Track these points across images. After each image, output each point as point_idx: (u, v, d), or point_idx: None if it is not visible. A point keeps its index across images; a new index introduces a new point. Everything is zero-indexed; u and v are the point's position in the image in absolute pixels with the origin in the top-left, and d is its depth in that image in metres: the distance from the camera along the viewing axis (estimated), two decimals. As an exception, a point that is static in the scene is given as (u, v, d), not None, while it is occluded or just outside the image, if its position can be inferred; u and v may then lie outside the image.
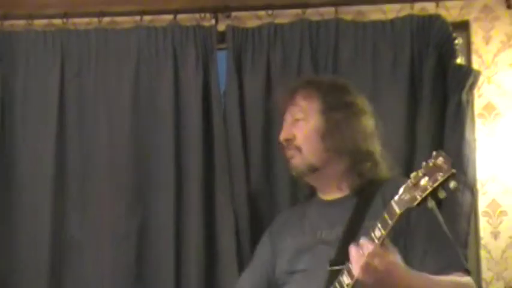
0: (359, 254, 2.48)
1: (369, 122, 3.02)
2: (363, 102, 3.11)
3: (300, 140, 2.97)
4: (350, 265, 2.54)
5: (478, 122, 3.66)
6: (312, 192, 3.08)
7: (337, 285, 2.65)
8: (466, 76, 3.51)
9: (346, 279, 2.59)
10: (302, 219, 3.04)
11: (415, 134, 3.63)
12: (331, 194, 3.00)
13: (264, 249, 3.13)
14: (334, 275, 2.69)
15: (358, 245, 2.50)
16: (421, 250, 2.75)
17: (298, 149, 2.96)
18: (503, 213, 3.61)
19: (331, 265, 2.74)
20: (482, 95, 3.72)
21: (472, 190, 3.45)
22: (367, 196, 2.91)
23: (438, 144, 3.49)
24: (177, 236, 3.71)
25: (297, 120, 3.00)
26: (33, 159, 3.87)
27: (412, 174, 2.47)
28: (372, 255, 2.46)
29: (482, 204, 3.59)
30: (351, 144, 2.94)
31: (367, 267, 2.46)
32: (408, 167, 3.46)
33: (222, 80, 3.84)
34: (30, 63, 3.91)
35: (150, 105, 3.87)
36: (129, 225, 3.85)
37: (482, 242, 3.59)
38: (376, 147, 2.96)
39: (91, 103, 3.90)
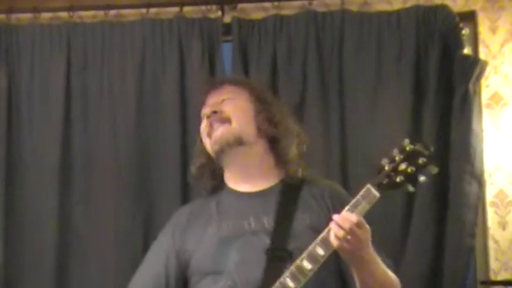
0: (344, 221, 2.50)
1: (291, 117, 3.03)
2: (277, 100, 3.14)
3: (229, 112, 2.89)
4: (324, 238, 2.56)
5: (485, 113, 3.68)
6: (216, 186, 2.99)
7: (306, 256, 2.61)
8: (472, 66, 3.53)
9: (321, 251, 2.58)
10: (217, 212, 2.94)
11: (421, 125, 3.64)
12: (253, 184, 2.92)
13: (165, 248, 2.99)
14: (273, 265, 2.70)
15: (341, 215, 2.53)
16: None
17: (228, 119, 2.88)
18: (510, 203, 3.62)
19: (268, 254, 2.73)
20: (489, 85, 3.72)
21: (479, 181, 3.46)
22: (293, 188, 2.90)
23: (444, 135, 3.51)
24: None
25: (225, 99, 2.92)
26: (38, 154, 3.90)
27: (385, 161, 2.56)
28: (358, 224, 2.49)
29: (489, 195, 3.61)
30: (280, 130, 2.91)
31: (351, 235, 2.50)
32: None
33: (228, 72, 3.83)
34: (36, 56, 3.94)
35: (155, 98, 3.90)
36: (134, 221, 3.88)
37: (490, 232, 3.61)
38: (298, 138, 2.96)
39: (96, 96, 3.91)
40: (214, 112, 2.88)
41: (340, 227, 2.50)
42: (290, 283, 2.59)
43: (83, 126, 3.93)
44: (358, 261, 2.60)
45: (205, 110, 2.92)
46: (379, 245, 2.73)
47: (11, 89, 3.95)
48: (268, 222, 2.82)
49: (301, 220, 2.81)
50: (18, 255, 3.88)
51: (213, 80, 3.14)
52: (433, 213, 3.48)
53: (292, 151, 2.90)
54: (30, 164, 3.91)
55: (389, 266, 2.77)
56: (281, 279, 2.61)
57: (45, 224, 3.86)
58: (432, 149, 2.60)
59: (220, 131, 2.86)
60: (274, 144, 2.89)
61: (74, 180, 3.92)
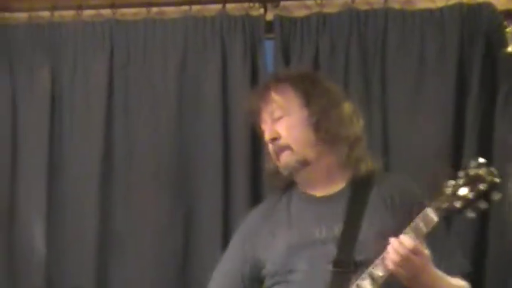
0: (399, 248, 2.52)
1: (351, 106, 2.98)
2: (338, 88, 3.09)
3: (286, 138, 2.89)
4: (384, 258, 2.58)
5: (529, 110, 3.69)
6: (287, 187, 3.02)
7: (367, 276, 2.64)
8: (516, 65, 3.53)
9: (380, 272, 2.61)
10: (288, 216, 2.99)
11: (464, 124, 3.65)
12: (323, 189, 2.95)
13: (238, 251, 3.07)
14: (338, 276, 2.73)
15: (397, 238, 2.55)
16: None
17: (288, 147, 2.89)
18: (554, 202, 3.59)
19: (334, 266, 2.75)
20: (534, 83, 3.74)
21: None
22: (362, 191, 2.89)
23: (487, 133, 3.53)
24: (225, 225, 3.75)
25: (277, 118, 2.92)
26: (80, 152, 3.99)
27: (449, 183, 2.53)
28: (414, 250, 2.51)
29: (532, 195, 3.60)
30: (343, 131, 2.90)
31: (407, 261, 2.52)
32: (456, 158, 3.51)
33: (270, 70, 3.87)
34: (79, 54, 4.01)
35: (197, 95, 3.94)
36: (175, 216, 3.92)
37: (533, 231, 3.61)
38: (362, 132, 2.94)
39: (138, 94, 3.98)
40: (273, 139, 2.89)
41: (396, 251, 2.53)
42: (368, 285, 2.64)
43: (125, 124, 4.01)
44: (416, 285, 2.62)
45: (266, 137, 2.93)
46: (454, 244, 2.83)
47: (54, 86, 4.03)
48: (337, 230, 2.84)
49: (369, 227, 2.82)
50: (60, 253, 3.97)
51: (261, 92, 3.01)
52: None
53: (355, 150, 2.89)
54: (72, 162, 4.00)
55: (462, 269, 2.78)
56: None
57: (86, 221, 3.96)
58: (498, 178, 2.55)
59: (284, 160, 2.88)
60: (337, 146, 2.87)
61: (114, 178, 4.00)
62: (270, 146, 2.91)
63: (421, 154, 3.77)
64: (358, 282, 2.64)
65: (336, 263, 2.74)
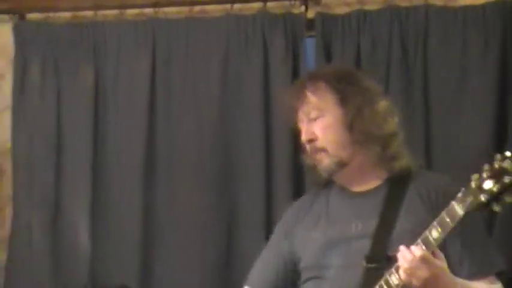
0: (407, 257, 2.56)
1: (386, 104, 2.97)
2: (374, 85, 3.07)
3: (322, 140, 2.91)
4: (397, 266, 2.61)
5: None
6: (328, 182, 3.02)
7: (383, 284, 2.69)
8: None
9: (395, 280, 2.65)
10: (326, 211, 3.02)
11: (506, 124, 3.66)
12: (359, 186, 2.98)
13: (278, 244, 3.12)
14: (371, 272, 2.75)
15: (407, 248, 2.56)
16: (458, 254, 2.78)
17: (323, 149, 2.91)
18: None
19: (367, 262, 2.77)
20: None
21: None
22: (399, 187, 2.91)
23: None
24: (267, 222, 3.79)
25: (313, 119, 2.93)
26: (123, 149, 4.07)
27: (474, 177, 2.49)
28: (421, 260, 2.53)
29: None
30: (377, 130, 2.90)
31: (414, 272, 2.55)
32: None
33: (311, 67, 3.90)
34: (122, 53, 4.08)
35: (238, 93, 4.00)
36: (218, 213, 3.98)
37: None
38: (397, 129, 2.95)
39: (180, 92, 4.04)
40: (309, 140, 2.92)
41: (406, 261, 2.57)
42: None
43: (167, 122, 4.07)
44: None
45: (302, 138, 2.96)
46: (486, 241, 2.82)
47: (97, 85, 4.11)
48: (372, 225, 2.87)
49: (403, 224, 2.83)
50: (104, 250, 4.05)
51: (298, 91, 3.01)
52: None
53: (390, 148, 2.91)
54: (116, 160, 4.09)
55: (495, 266, 2.78)
56: None
57: (130, 219, 4.03)
58: None
59: (322, 163, 2.91)
60: (370, 145, 2.90)
61: (157, 175, 4.06)
62: (307, 147, 2.95)
63: (463, 153, 3.77)
64: (386, 277, 2.66)
65: (369, 259, 2.77)
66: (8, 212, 4.24)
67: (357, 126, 2.88)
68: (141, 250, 4.05)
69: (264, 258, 3.13)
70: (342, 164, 2.89)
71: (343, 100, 2.89)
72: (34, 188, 4.19)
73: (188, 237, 4.04)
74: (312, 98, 2.92)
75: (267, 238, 3.54)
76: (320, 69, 3.51)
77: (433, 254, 2.57)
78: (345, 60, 3.95)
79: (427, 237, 2.56)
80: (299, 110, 2.96)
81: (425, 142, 3.88)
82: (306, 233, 2.96)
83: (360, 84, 2.96)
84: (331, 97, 2.90)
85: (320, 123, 2.89)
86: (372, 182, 2.92)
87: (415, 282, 2.56)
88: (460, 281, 2.67)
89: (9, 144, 4.26)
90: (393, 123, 2.92)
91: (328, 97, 2.90)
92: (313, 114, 2.90)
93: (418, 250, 2.54)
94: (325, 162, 2.91)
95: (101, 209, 4.13)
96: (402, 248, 2.57)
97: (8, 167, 4.28)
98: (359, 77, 3.04)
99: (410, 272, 2.55)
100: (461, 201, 2.50)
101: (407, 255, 2.55)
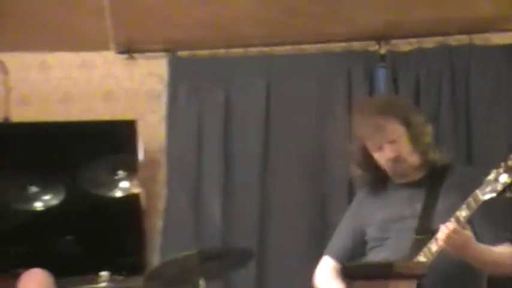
0: (444, 230, 2.94)
1: (423, 118, 3.37)
2: (413, 106, 3.58)
3: (404, 155, 3.26)
4: (437, 237, 2.98)
5: None
6: (380, 179, 3.40)
7: (426, 250, 3.05)
8: None
9: (434, 247, 3.02)
10: (384, 198, 3.37)
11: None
12: (408, 178, 3.33)
13: (351, 221, 3.47)
14: (418, 241, 3.13)
15: (445, 224, 2.96)
16: (481, 226, 3.13)
17: (404, 160, 3.27)
18: None
19: (416, 234, 3.15)
20: None
21: None
22: (437, 178, 3.28)
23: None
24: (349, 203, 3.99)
25: (393, 141, 3.25)
26: (246, 146, 4.68)
27: (493, 171, 2.90)
28: (454, 232, 2.94)
29: None
30: (425, 139, 3.31)
31: (449, 239, 2.95)
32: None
33: (382, 90, 4.57)
34: (245, 79, 4.75)
35: (328, 109, 4.64)
36: (315, 196, 4.57)
37: None
38: (432, 140, 3.34)
39: (287, 107, 4.69)
40: (395, 157, 3.25)
41: (443, 232, 2.95)
42: (422, 258, 3.04)
43: (278, 129, 4.70)
44: (464, 257, 3.01)
45: (390, 155, 3.24)
46: (502, 219, 3.16)
47: (227, 102, 4.76)
48: (419, 207, 3.23)
49: (442, 205, 3.19)
50: (232, 223, 4.67)
51: (370, 122, 3.30)
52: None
53: (430, 152, 3.32)
54: (241, 156, 4.70)
55: (507, 234, 3.14)
56: (419, 255, 3.06)
57: (251, 201, 4.66)
58: None
59: (400, 169, 3.30)
60: (423, 149, 3.32)
61: (270, 166, 4.68)
62: (390, 162, 3.27)
63: (493, 156, 3.95)
64: (428, 245, 3.04)
65: (417, 232, 3.17)
66: (163, 193, 4.83)
67: (418, 141, 3.30)
68: (258, 222, 4.67)
69: (340, 232, 3.53)
70: (413, 167, 3.31)
71: (407, 125, 3.30)
72: (182, 176, 4.77)
73: (292, 213, 4.60)
74: (386, 127, 3.28)
75: None
76: (383, 103, 3.52)
77: (463, 229, 2.96)
78: (407, 86, 4.55)
79: (458, 216, 2.97)
80: (374, 137, 3.29)
81: (466, 150, 4.45)
82: (371, 214, 3.38)
83: (410, 110, 3.42)
84: (399, 125, 3.29)
85: (397, 144, 3.27)
86: (417, 175, 3.33)
87: (449, 248, 2.97)
88: (484, 246, 3.07)
89: (164, 144, 4.86)
90: (430, 131, 3.36)
91: (397, 125, 3.29)
92: (391, 138, 3.27)
93: (451, 225, 2.94)
94: (403, 168, 3.31)
95: (230, 192, 4.73)
96: (442, 225, 2.96)
97: (163, 161, 4.86)
98: (407, 104, 3.57)
99: (446, 241, 2.95)
100: (483, 189, 2.91)
101: (444, 229, 2.94)
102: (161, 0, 4.61)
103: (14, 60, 5.04)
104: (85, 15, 4.68)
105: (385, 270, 1.80)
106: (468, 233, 2.98)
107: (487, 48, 4.63)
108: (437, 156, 3.33)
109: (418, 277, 2.95)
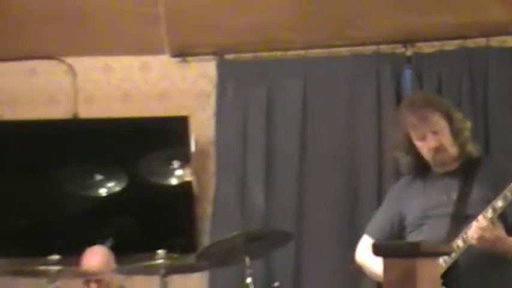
0: (480, 220, 2.98)
1: (460, 114, 3.37)
2: (448, 102, 3.48)
3: (445, 145, 3.23)
4: (471, 225, 3.01)
5: None
6: (420, 167, 3.34)
7: (463, 234, 3.04)
8: None
9: (470, 233, 3.03)
10: (422, 186, 3.33)
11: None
12: (445, 168, 3.29)
13: (391, 206, 3.44)
14: (454, 226, 3.14)
15: (476, 219, 2.99)
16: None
17: (445, 150, 3.24)
18: None
19: (451, 220, 3.16)
20: None
21: None
22: (471, 169, 3.26)
23: None
24: (379, 196, 4.29)
25: (436, 132, 3.22)
26: (285, 142, 4.70)
27: None
28: (485, 229, 2.96)
29: None
30: (464, 132, 3.29)
31: (481, 238, 2.98)
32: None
33: (408, 89, 4.61)
34: (284, 79, 4.76)
35: (359, 107, 4.66)
36: (347, 190, 4.59)
37: None
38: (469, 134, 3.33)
39: (322, 107, 4.72)
40: (437, 147, 3.21)
41: (475, 230, 2.97)
42: (460, 244, 3.05)
43: (315, 128, 4.73)
44: (495, 250, 3.02)
45: (433, 145, 3.21)
46: None
47: (268, 100, 4.79)
48: (454, 195, 3.21)
49: (476, 194, 3.18)
50: (273, 206, 4.69)
51: (417, 114, 3.28)
52: None
53: (468, 145, 3.30)
54: (280, 152, 4.72)
55: None
56: (455, 240, 3.05)
57: (289, 187, 4.68)
58: None
59: (441, 159, 3.26)
60: (462, 141, 3.29)
61: (308, 155, 4.72)
62: (432, 151, 3.23)
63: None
64: (465, 230, 3.05)
65: (453, 217, 3.17)
66: (213, 181, 4.90)
67: (459, 133, 3.29)
68: (296, 207, 4.69)
69: (380, 214, 3.50)
70: (451, 158, 3.27)
71: (449, 119, 3.28)
72: (229, 165, 4.83)
73: (327, 200, 4.64)
74: (431, 119, 3.26)
75: (378, 206, 3.83)
76: (427, 100, 3.47)
77: (494, 224, 2.97)
78: (431, 85, 4.55)
79: (494, 206, 2.98)
80: (419, 127, 3.26)
81: (484, 147, 4.32)
82: (410, 201, 3.34)
83: (451, 107, 3.41)
84: (442, 118, 3.27)
85: (440, 135, 3.24)
86: (453, 165, 3.30)
87: (481, 244, 2.99)
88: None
89: (213, 138, 4.92)
90: (468, 126, 3.35)
91: (440, 118, 3.27)
92: (434, 129, 3.25)
93: (483, 221, 2.98)
94: (444, 158, 3.27)
95: (271, 179, 4.77)
96: (474, 222, 2.99)
97: (212, 152, 4.93)
98: (448, 102, 3.55)
99: (478, 240, 2.99)
100: None
101: (477, 225, 2.99)
102: (210, 9, 4.66)
103: (81, 64, 5.15)
104: (143, 23, 4.76)
105: (413, 250, 1.83)
106: (500, 231, 3.02)
107: (504, 50, 4.64)
108: (473, 149, 3.33)
109: (443, 255, 2.95)
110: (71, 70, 5.11)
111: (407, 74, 4.69)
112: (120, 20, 4.77)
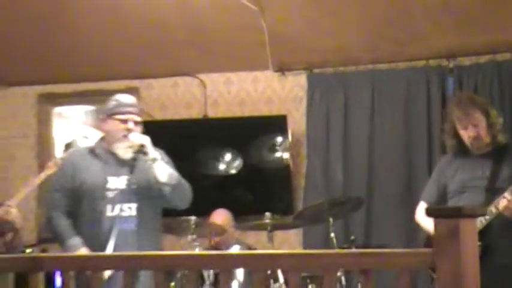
0: (504, 199, 2.95)
1: (495, 111, 3.29)
2: (488, 102, 3.38)
3: (482, 135, 3.19)
4: (504, 195, 2.96)
5: None
6: (461, 149, 3.29)
7: (496, 203, 2.97)
8: None
9: (502, 203, 2.98)
10: (462, 163, 3.26)
11: None
12: (480, 151, 3.25)
13: (438, 177, 3.35)
14: (488, 196, 3.08)
15: (505, 193, 2.95)
16: None
17: (481, 139, 3.20)
18: None
19: (486, 191, 3.10)
20: None
21: None
22: (501, 153, 3.21)
23: None
24: (429, 172, 4.06)
25: (475, 125, 3.19)
26: (358, 137, 4.67)
27: None
28: (510, 201, 2.95)
29: None
30: (497, 129, 3.24)
31: (507, 207, 2.96)
32: None
33: (451, 94, 4.45)
34: (357, 88, 4.68)
35: (413, 112, 4.57)
36: (403, 171, 4.54)
37: None
38: (500, 125, 3.26)
39: (385, 111, 4.65)
40: (475, 136, 3.17)
41: (503, 204, 2.94)
42: (493, 209, 2.99)
43: (380, 118, 4.68)
44: None
45: (473, 134, 3.17)
46: None
47: (345, 105, 4.72)
48: (487, 172, 3.16)
49: (504, 171, 3.14)
50: (349, 178, 4.61)
51: (463, 110, 3.22)
52: None
53: (499, 135, 3.24)
54: (355, 137, 4.70)
55: None
56: (489, 206, 3.00)
57: (362, 165, 4.63)
58: None
59: (478, 145, 3.20)
60: (495, 132, 3.24)
61: (375, 143, 4.63)
62: (471, 139, 3.19)
63: None
64: (495, 201, 2.99)
65: (487, 189, 3.12)
66: (304, 162, 4.85)
67: (492, 127, 3.23)
68: (367, 180, 4.64)
69: (431, 184, 3.42)
70: (485, 144, 3.22)
71: (486, 115, 3.24)
72: (316, 151, 4.78)
73: (390, 174, 4.59)
74: (474, 114, 3.22)
75: (428, 177, 3.72)
76: (469, 97, 3.46)
77: None
78: (468, 91, 4.41)
79: None
80: (464, 120, 3.21)
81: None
82: (453, 174, 3.29)
83: (489, 106, 3.34)
84: (481, 115, 3.23)
85: (479, 127, 3.21)
86: (487, 149, 3.25)
87: (508, 214, 2.96)
88: None
89: (304, 131, 4.88)
90: (499, 121, 3.28)
91: (480, 114, 3.23)
92: (475, 122, 3.20)
93: (510, 196, 2.95)
94: (481, 144, 3.22)
95: (347, 160, 4.72)
96: (505, 194, 2.95)
97: (304, 141, 4.89)
98: (486, 101, 3.44)
99: (505, 210, 2.96)
100: None
101: (504, 200, 2.96)
102: (302, 36, 4.64)
103: (209, 78, 5.20)
104: (253, 47, 4.80)
105: (457, 212, 1.83)
106: None
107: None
108: (502, 138, 3.27)
109: (480, 216, 2.87)
110: (202, 83, 5.18)
111: (450, 82, 4.61)
112: (237, 46, 4.82)
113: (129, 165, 3.00)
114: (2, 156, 5.27)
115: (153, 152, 3.02)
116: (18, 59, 4.99)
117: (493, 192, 3.08)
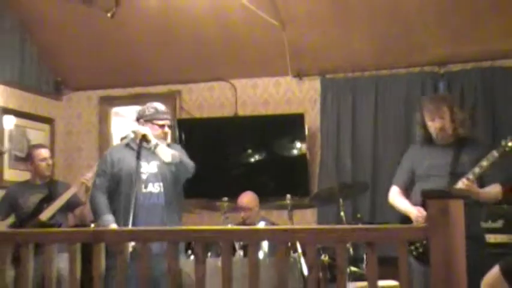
0: (463, 181, 2.91)
1: (460, 109, 3.21)
2: (457, 102, 3.34)
3: (446, 127, 3.12)
4: (463, 180, 2.92)
5: None
6: (428, 139, 3.17)
7: (458, 184, 2.90)
8: None
9: (462, 183, 2.93)
10: (429, 151, 3.17)
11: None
12: (444, 141, 3.15)
13: (408, 163, 3.25)
14: (451, 179, 3.01)
15: (465, 177, 2.90)
16: (490, 176, 3.00)
17: (445, 130, 3.12)
18: None
19: (449, 175, 3.03)
20: None
21: None
22: (462, 143, 3.13)
23: None
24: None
25: (441, 118, 3.11)
26: (364, 132, 4.57)
27: (503, 142, 2.89)
28: (468, 185, 2.91)
29: None
30: (459, 123, 3.12)
31: (467, 187, 2.90)
32: None
33: (442, 92, 4.29)
34: (363, 91, 4.57)
35: (411, 105, 4.39)
36: (396, 155, 4.06)
37: None
38: (465, 121, 3.16)
39: (388, 111, 4.55)
40: (441, 127, 3.09)
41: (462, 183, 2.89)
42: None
43: (383, 116, 4.57)
44: (475, 197, 2.92)
45: (439, 125, 3.09)
46: (504, 169, 3.00)
47: (353, 107, 4.60)
48: (450, 159, 3.07)
49: (464, 159, 3.07)
50: (358, 167, 4.54)
51: (434, 106, 3.16)
52: None
53: (459, 129, 3.13)
54: (360, 132, 4.59)
55: (500, 180, 2.97)
56: (453, 188, 2.89)
57: (367, 153, 4.50)
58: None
59: (443, 135, 3.12)
60: (456, 125, 3.14)
61: (379, 136, 4.54)
62: (437, 129, 3.10)
63: None
64: (458, 183, 2.91)
65: (450, 174, 3.05)
66: (318, 153, 4.78)
67: (455, 121, 3.13)
68: (372, 167, 4.55)
69: (401, 170, 3.29)
70: (448, 135, 3.13)
71: (451, 111, 3.16)
72: (328, 143, 4.71)
73: (392, 161, 4.22)
74: (442, 108, 3.15)
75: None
76: (441, 97, 3.51)
77: (473, 182, 2.88)
78: (456, 92, 4.32)
79: (473, 171, 2.92)
80: (434, 114, 3.13)
81: (492, 134, 4.20)
82: (420, 160, 3.17)
83: (455, 103, 3.26)
84: (447, 110, 3.16)
85: (445, 121, 3.14)
86: (450, 140, 3.15)
87: (468, 188, 2.89)
88: (483, 190, 2.97)
89: (319, 127, 4.80)
90: (462, 117, 3.17)
91: (446, 109, 3.16)
92: (441, 116, 3.13)
93: (466, 181, 2.91)
94: (446, 134, 3.13)
95: (355, 150, 4.60)
96: (464, 178, 2.90)
97: (318, 135, 4.80)
98: (453, 100, 3.35)
99: (466, 186, 2.91)
100: (498, 150, 2.90)
101: (461, 184, 2.92)
102: (317, 46, 4.64)
103: (239, 83, 5.14)
104: (275, 56, 4.82)
105: (446, 194, 1.82)
106: (475, 187, 2.92)
107: (507, 70, 4.36)
108: (462, 131, 3.16)
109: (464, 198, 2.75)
110: (233, 87, 5.14)
111: (441, 85, 4.52)
112: (262, 56, 4.85)
113: (154, 155, 3.22)
114: (71, 148, 5.44)
115: (154, 140, 3.22)
116: (83, 68, 5.20)
117: (455, 176, 3.01)
